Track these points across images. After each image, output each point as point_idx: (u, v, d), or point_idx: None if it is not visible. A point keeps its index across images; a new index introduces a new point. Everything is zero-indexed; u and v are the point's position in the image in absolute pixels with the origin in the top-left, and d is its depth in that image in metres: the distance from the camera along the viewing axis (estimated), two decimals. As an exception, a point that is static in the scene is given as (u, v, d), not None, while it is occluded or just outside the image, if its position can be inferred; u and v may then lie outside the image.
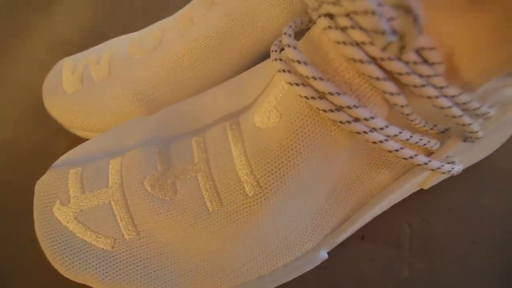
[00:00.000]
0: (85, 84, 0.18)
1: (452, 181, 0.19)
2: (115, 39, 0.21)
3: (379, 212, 0.17)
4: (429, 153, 0.13)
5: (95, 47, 0.21)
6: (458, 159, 0.15)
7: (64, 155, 0.16)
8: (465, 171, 0.19)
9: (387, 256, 0.17)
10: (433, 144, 0.13)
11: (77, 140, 0.22)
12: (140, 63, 0.17)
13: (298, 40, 0.12)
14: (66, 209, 0.14)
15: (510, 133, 0.18)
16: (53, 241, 0.13)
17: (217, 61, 0.17)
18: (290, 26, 0.11)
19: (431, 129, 0.13)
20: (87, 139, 0.19)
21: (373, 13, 0.08)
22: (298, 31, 0.13)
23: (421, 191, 0.18)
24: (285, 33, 0.11)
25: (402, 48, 0.08)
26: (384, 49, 0.08)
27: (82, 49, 0.30)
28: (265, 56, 0.17)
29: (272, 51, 0.12)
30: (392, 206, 0.17)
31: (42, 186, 0.15)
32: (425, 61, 0.10)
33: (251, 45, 0.17)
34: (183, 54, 0.17)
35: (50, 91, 0.18)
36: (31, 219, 0.15)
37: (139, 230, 0.13)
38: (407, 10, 0.07)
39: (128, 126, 0.16)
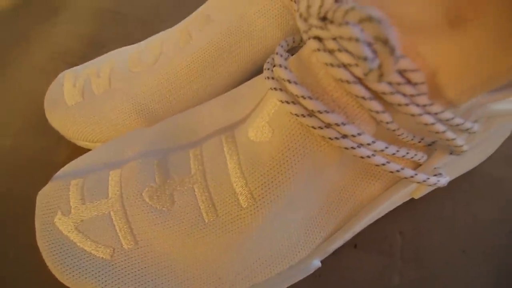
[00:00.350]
0: (86, 97, 0.18)
1: (443, 190, 0.19)
2: (115, 51, 0.22)
3: (371, 221, 0.17)
4: (417, 165, 0.14)
5: (96, 59, 0.21)
6: (446, 170, 0.16)
7: (66, 166, 0.16)
8: (456, 180, 0.20)
9: (379, 264, 0.18)
10: (420, 156, 0.13)
11: (77, 149, 0.22)
12: (140, 77, 0.18)
13: (294, 53, 0.12)
14: (67, 219, 0.14)
15: (498, 144, 0.19)
16: (54, 250, 0.14)
17: (214, 75, 0.18)
18: (282, 46, 0.12)
19: (419, 142, 0.13)
20: (87, 149, 0.20)
21: (357, 40, 0.08)
22: (294, 46, 0.14)
23: (412, 200, 0.19)
24: (277, 53, 0.12)
25: (380, 76, 0.08)
26: (365, 74, 0.09)
27: (83, 58, 0.30)
28: (260, 69, 0.18)
29: (265, 69, 0.12)
30: (384, 215, 0.18)
31: (44, 196, 0.15)
32: (409, 82, 0.10)
33: (247, 59, 0.17)
34: (181, 68, 0.17)
35: (52, 103, 0.19)
36: (31, 226, 0.15)
37: (138, 240, 0.14)
38: (385, 42, 0.07)
39: (128, 138, 0.16)
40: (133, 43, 0.24)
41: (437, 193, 0.19)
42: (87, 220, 0.14)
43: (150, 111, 0.18)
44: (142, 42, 0.21)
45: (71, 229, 0.14)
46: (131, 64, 0.19)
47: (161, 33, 0.21)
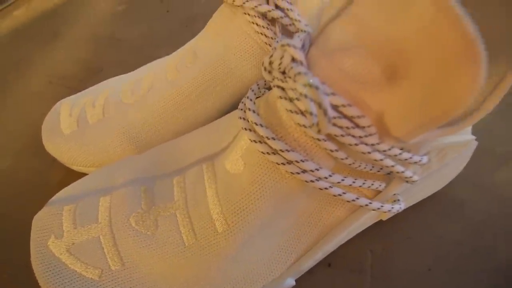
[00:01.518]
0: (80, 126, 0.20)
1: (411, 211, 0.21)
2: (110, 80, 0.24)
3: (343, 242, 0.19)
4: (378, 193, 0.16)
5: (92, 88, 0.23)
6: (410, 195, 0.18)
7: (60, 192, 0.18)
8: (422, 202, 0.22)
9: (351, 282, 0.19)
10: (378, 185, 0.15)
11: (71, 172, 0.24)
12: (131, 108, 0.20)
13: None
14: (59, 242, 0.16)
15: (460, 168, 0.21)
16: (46, 271, 0.15)
17: (199, 107, 0.19)
18: (253, 90, 0.14)
19: (378, 171, 0.15)
20: (80, 172, 0.21)
21: (305, 96, 0.10)
22: (265, 87, 0.16)
23: (382, 221, 0.20)
24: (247, 97, 0.13)
25: (318, 131, 0.10)
26: (309, 126, 0.11)
27: (80, 82, 0.32)
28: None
29: (239, 109, 0.14)
30: (356, 235, 0.20)
31: (39, 221, 0.17)
32: (357, 126, 0.12)
33: (229, 94, 0.19)
34: (169, 101, 0.19)
35: (49, 131, 0.21)
36: (26, 247, 0.16)
37: (124, 262, 0.15)
38: (320, 105, 0.09)
39: (118, 166, 0.18)
40: (127, 68, 0.26)
41: (404, 215, 0.21)
42: (78, 243, 0.16)
43: (140, 140, 0.19)
44: (134, 73, 0.23)
45: (63, 251, 0.16)
46: (123, 95, 0.20)
47: (152, 64, 0.22)
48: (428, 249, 0.20)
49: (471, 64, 0.09)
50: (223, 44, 0.18)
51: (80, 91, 0.25)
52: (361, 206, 0.13)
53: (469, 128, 0.19)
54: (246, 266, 0.15)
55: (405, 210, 0.21)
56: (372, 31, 0.11)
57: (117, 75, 0.25)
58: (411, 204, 0.21)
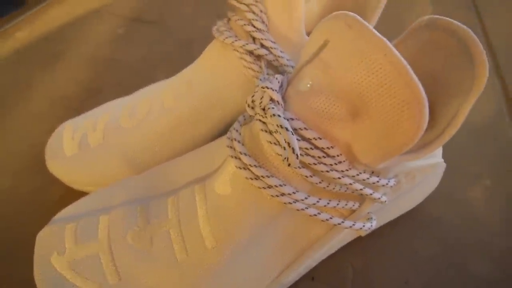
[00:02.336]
0: (82, 149, 0.22)
1: (389, 228, 0.23)
2: (109, 104, 0.26)
3: (324, 257, 0.20)
4: (353, 212, 0.18)
5: (92, 112, 0.25)
6: (385, 213, 0.20)
7: (62, 211, 0.19)
8: (400, 219, 0.23)
9: (333, 295, 0.20)
10: (352, 205, 0.17)
11: (70, 190, 0.25)
12: (129, 132, 0.22)
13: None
14: (61, 258, 0.17)
15: (432, 188, 0.23)
16: (49, 285, 0.17)
17: (193, 131, 0.21)
18: (239, 121, 0.16)
19: (353, 192, 0.17)
20: (79, 190, 0.23)
21: (280, 133, 0.12)
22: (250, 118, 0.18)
23: (362, 237, 0.22)
24: (234, 128, 0.16)
25: (288, 165, 0.12)
26: (283, 160, 0.13)
27: (80, 103, 0.34)
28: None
29: (227, 137, 0.16)
30: (338, 250, 0.21)
31: (43, 238, 0.18)
32: (328, 155, 0.14)
33: (221, 119, 0.21)
34: (166, 126, 0.21)
35: (52, 153, 0.22)
36: (26, 263, 0.18)
37: (121, 276, 0.17)
38: (289, 145, 0.11)
39: (116, 186, 0.20)
40: (126, 88, 0.28)
41: (383, 231, 0.23)
42: (79, 259, 0.17)
43: (137, 162, 0.21)
44: (132, 97, 0.25)
45: (65, 266, 0.17)
46: (122, 120, 0.22)
47: (149, 90, 0.25)
48: (405, 264, 0.22)
49: (415, 110, 0.12)
50: (216, 76, 0.21)
51: (80, 111, 0.27)
52: (335, 224, 0.15)
53: (439, 151, 0.22)
54: (234, 280, 0.17)
55: (383, 227, 0.23)
56: (337, 76, 0.13)
57: (116, 95, 0.27)
58: (388, 221, 0.23)
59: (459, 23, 0.15)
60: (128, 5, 0.47)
